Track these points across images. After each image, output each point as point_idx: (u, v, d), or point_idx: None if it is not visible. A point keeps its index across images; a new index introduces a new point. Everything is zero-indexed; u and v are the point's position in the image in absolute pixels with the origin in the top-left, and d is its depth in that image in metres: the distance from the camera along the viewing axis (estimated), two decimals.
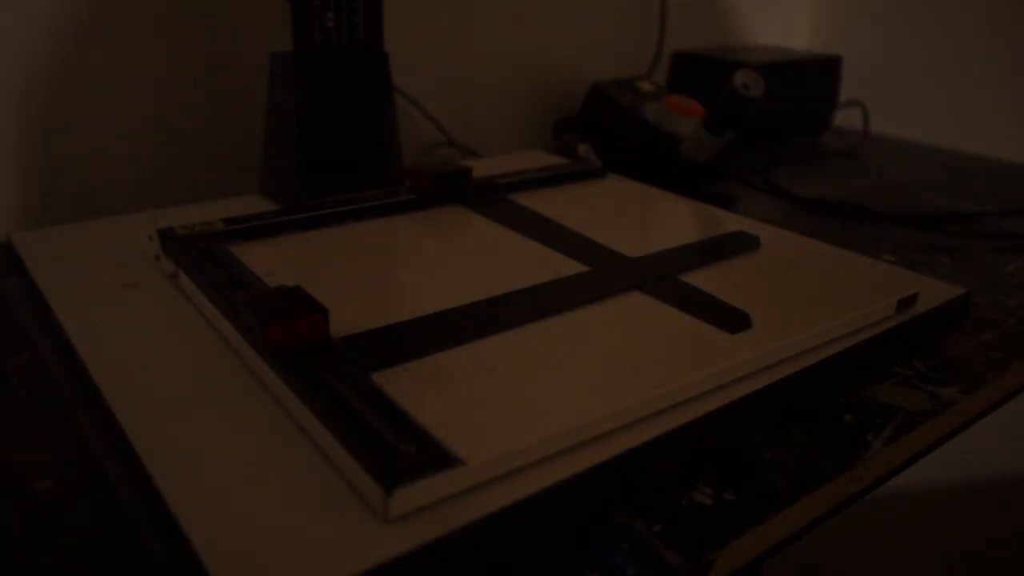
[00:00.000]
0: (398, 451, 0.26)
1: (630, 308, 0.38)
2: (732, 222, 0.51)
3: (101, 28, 0.55)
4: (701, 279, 0.42)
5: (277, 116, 0.53)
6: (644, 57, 0.87)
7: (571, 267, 0.43)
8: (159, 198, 0.60)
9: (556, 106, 0.81)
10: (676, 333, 0.36)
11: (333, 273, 0.42)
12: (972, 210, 0.64)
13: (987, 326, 0.45)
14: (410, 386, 0.31)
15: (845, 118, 0.93)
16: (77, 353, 0.35)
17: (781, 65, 0.81)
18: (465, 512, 0.25)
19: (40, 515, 0.28)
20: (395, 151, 0.57)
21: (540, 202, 0.54)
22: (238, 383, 0.33)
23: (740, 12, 0.96)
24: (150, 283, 0.41)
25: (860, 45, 0.99)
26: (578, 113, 0.74)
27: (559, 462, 0.28)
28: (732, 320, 0.37)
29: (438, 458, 0.26)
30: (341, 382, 0.30)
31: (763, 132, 0.82)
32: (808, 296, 0.40)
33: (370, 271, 0.42)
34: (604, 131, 0.71)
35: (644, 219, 0.52)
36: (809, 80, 0.85)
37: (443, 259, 0.44)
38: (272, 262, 0.43)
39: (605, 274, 0.42)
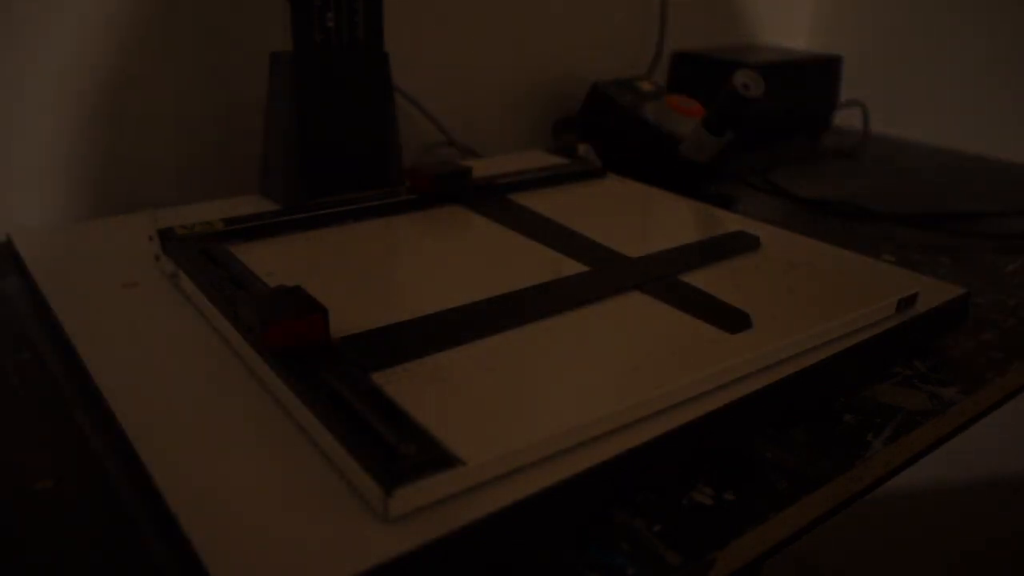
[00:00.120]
0: (398, 451, 0.26)
1: (630, 308, 0.38)
2: (732, 222, 0.51)
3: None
4: (701, 279, 0.42)
5: (277, 116, 0.53)
6: (644, 57, 0.87)
7: (571, 267, 0.43)
8: (159, 198, 0.60)
9: (556, 106, 0.81)
10: (676, 333, 0.36)
11: (333, 273, 0.42)
12: (972, 210, 0.64)
13: (987, 326, 0.45)
14: (410, 386, 0.31)
15: (845, 118, 0.93)
16: (77, 353, 0.35)
17: (781, 65, 0.81)
18: (465, 512, 0.25)
19: (40, 515, 0.28)
20: (395, 151, 0.57)
21: (540, 202, 0.54)
22: (238, 383, 0.33)
23: (740, 12, 0.96)
24: (150, 283, 0.41)
25: (860, 45, 0.99)
26: (578, 113, 0.74)
27: (559, 462, 0.28)
28: (732, 320, 0.37)
29: (438, 458, 0.26)
30: (341, 382, 0.30)
31: (763, 132, 0.82)
32: (808, 296, 0.40)
33: (370, 271, 0.42)
34: (604, 131, 0.71)
35: (644, 219, 0.52)
36: (809, 80, 0.85)
37: (443, 259, 0.44)
38: (272, 262, 0.43)
39: (605, 274, 0.42)
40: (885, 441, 0.34)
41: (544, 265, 0.43)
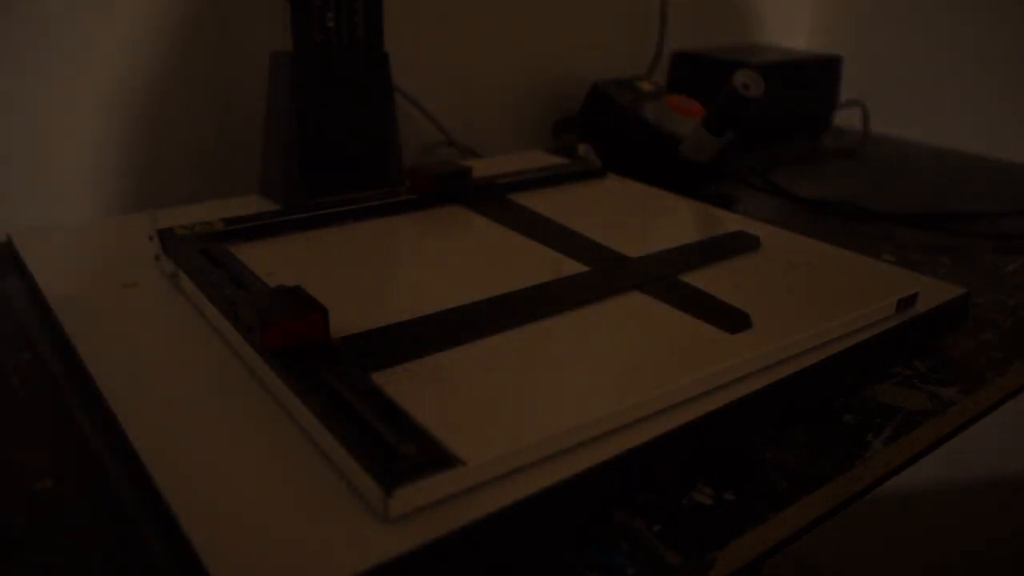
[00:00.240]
0: (398, 451, 0.26)
1: (630, 308, 0.38)
2: (732, 222, 0.51)
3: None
4: (701, 279, 0.42)
5: (277, 116, 0.53)
6: (644, 57, 0.87)
7: (571, 267, 0.43)
8: (159, 197, 0.60)
9: (556, 106, 0.81)
10: (676, 333, 0.36)
11: (333, 273, 0.42)
12: (972, 210, 0.64)
13: (987, 326, 0.45)
14: (410, 386, 0.31)
15: (845, 118, 0.93)
16: (77, 353, 0.35)
17: (781, 65, 0.81)
18: (465, 512, 0.25)
19: (40, 515, 0.28)
20: (395, 151, 0.57)
21: (540, 202, 0.54)
22: (238, 383, 0.33)
23: (740, 12, 0.96)
24: (150, 283, 0.41)
25: (860, 45, 0.99)
26: (578, 113, 0.74)
27: (559, 462, 0.28)
28: (732, 320, 0.37)
29: (438, 458, 0.26)
30: (341, 382, 0.30)
31: (763, 132, 0.82)
32: (808, 296, 0.40)
33: (370, 271, 0.42)
34: (604, 131, 0.71)
35: (644, 219, 0.52)
36: (809, 80, 0.85)
37: (443, 259, 0.44)
38: (272, 262, 0.43)
39: (605, 274, 0.42)
40: (885, 441, 0.34)
41: (544, 265, 0.43)
